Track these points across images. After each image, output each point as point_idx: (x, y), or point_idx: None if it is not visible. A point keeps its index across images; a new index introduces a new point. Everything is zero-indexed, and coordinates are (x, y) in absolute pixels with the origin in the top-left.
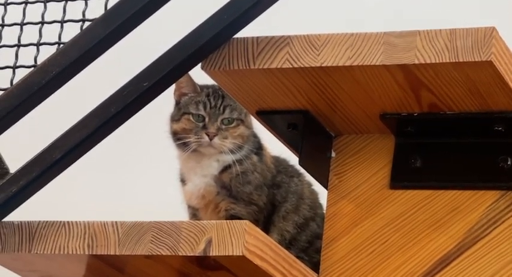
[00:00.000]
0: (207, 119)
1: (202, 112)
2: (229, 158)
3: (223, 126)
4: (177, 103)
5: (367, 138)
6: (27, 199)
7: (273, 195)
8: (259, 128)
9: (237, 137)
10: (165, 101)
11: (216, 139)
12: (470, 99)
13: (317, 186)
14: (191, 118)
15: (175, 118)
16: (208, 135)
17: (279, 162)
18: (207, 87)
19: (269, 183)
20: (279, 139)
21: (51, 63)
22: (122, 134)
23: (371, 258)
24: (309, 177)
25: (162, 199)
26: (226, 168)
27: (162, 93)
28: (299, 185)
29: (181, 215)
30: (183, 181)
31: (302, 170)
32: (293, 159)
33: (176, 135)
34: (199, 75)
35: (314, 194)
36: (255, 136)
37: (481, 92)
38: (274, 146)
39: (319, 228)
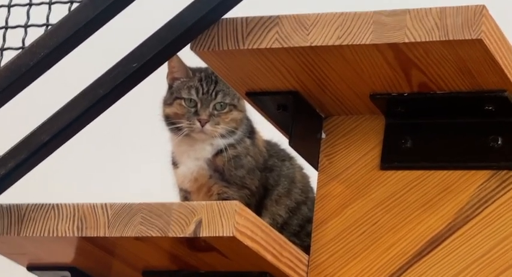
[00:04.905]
0: (199, 105)
1: (194, 97)
2: (221, 142)
3: (216, 112)
4: (170, 87)
5: (358, 119)
6: (16, 181)
7: (265, 179)
8: (250, 111)
9: (229, 122)
10: (157, 83)
11: (207, 126)
12: (461, 78)
13: (308, 170)
14: (183, 103)
15: (167, 102)
16: (200, 122)
17: (270, 145)
18: (199, 71)
19: (261, 166)
20: (269, 121)
21: (39, 45)
22: (111, 115)
23: (362, 238)
24: (300, 161)
25: (153, 182)
26: (219, 151)
27: (153, 74)
28: (291, 169)
29: (173, 198)
30: (174, 164)
31: (293, 154)
32: (284, 143)
33: (168, 119)
34: (190, 56)
35: (305, 178)
36: (247, 119)
37: (472, 70)
38: (265, 130)
39: (310, 212)
